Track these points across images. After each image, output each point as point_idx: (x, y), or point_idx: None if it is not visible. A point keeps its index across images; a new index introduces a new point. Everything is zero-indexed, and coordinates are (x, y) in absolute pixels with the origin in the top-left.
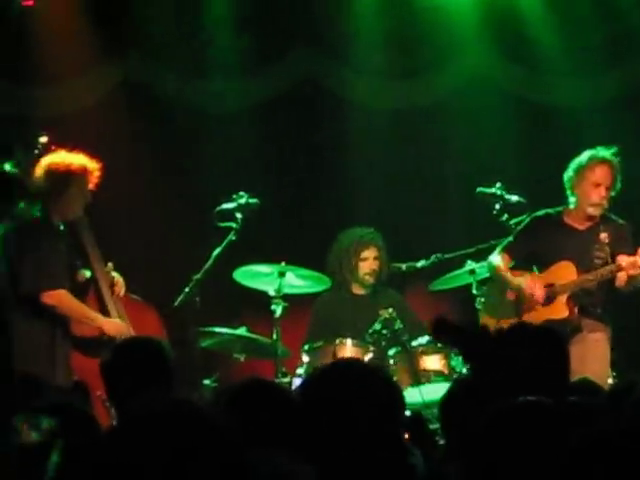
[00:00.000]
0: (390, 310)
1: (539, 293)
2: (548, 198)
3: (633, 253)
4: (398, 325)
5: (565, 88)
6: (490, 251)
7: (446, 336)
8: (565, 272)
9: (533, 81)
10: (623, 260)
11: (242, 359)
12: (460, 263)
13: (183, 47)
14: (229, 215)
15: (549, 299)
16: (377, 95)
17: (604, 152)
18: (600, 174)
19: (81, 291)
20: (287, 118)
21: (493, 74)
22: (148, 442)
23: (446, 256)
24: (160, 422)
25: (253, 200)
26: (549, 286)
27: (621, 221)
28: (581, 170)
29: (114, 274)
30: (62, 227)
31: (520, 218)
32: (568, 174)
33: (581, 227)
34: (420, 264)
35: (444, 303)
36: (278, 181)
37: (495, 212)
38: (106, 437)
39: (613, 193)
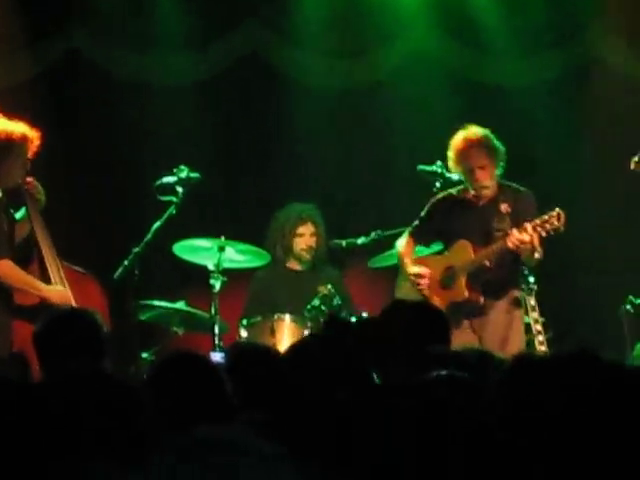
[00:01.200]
0: (329, 286)
1: (422, 282)
2: None
3: None
4: (337, 301)
5: (508, 68)
6: None
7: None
8: (463, 252)
9: (477, 60)
10: (511, 236)
11: (180, 333)
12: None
13: (129, 21)
14: (170, 189)
15: (450, 281)
16: (321, 73)
17: (475, 132)
18: (474, 157)
19: (24, 258)
20: (231, 93)
21: (437, 53)
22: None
23: (386, 233)
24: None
25: (194, 174)
26: (449, 268)
27: (522, 189)
28: (457, 154)
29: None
30: (1, 195)
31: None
32: (449, 155)
33: (480, 202)
34: (360, 241)
35: (383, 280)
36: (220, 156)
37: (435, 190)
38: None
39: (498, 169)
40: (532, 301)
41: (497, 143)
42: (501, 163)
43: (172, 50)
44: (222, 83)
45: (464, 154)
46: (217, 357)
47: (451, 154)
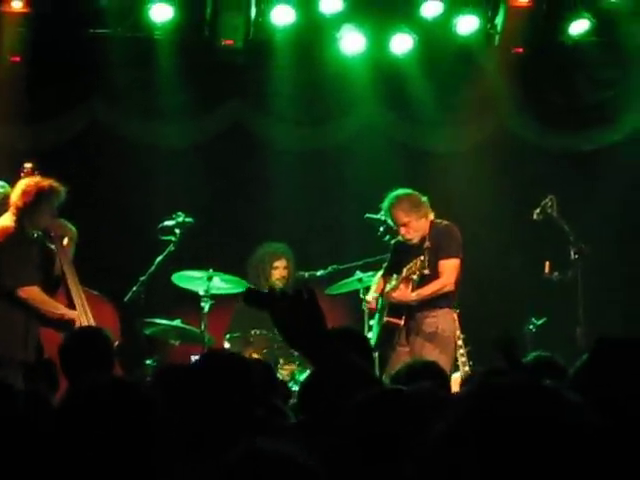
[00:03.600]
0: None
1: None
2: None
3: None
4: None
5: (437, 136)
6: (375, 264)
7: (256, 303)
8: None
9: (412, 130)
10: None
11: (177, 344)
12: (352, 273)
13: (138, 95)
14: (169, 230)
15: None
16: (289, 138)
17: (391, 197)
18: (393, 217)
19: (52, 287)
20: (219, 154)
21: (381, 123)
22: (91, 413)
23: (341, 267)
24: (100, 395)
25: (189, 219)
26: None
27: (443, 224)
28: (385, 215)
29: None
30: (35, 235)
31: (397, 238)
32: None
33: (415, 243)
34: (319, 273)
35: (338, 304)
36: (210, 204)
37: (379, 233)
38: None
39: (422, 219)
40: (456, 318)
41: (416, 199)
42: (425, 213)
43: (172, 119)
44: (212, 146)
45: (388, 214)
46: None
47: (384, 212)
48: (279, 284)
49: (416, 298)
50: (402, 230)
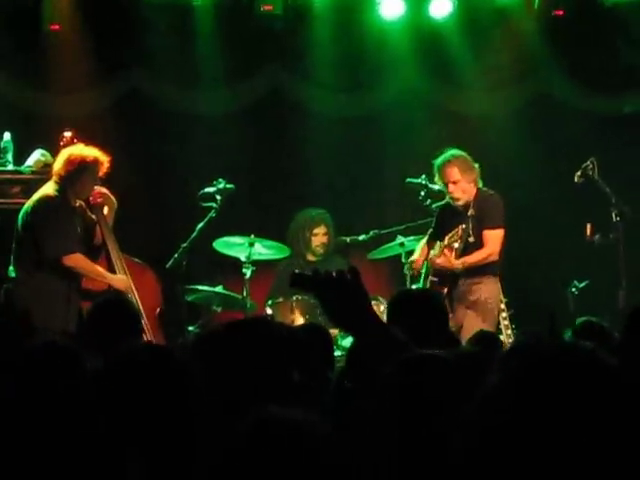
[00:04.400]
0: None
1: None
2: None
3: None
4: None
5: (478, 100)
6: (416, 228)
7: (301, 286)
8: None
9: (452, 94)
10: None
11: (219, 310)
12: (393, 237)
13: (176, 62)
14: (210, 197)
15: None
16: (328, 104)
17: (450, 154)
18: (448, 174)
19: (94, 254)
20: (257, 121)
21: (420, 87)
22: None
23: (382, 232)
24: (136, 361)
25: (230, 185)
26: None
27: (489, 193)
28: (436, 171)
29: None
30: (77, 204)
31: (440, 203)
32: (434, 175)
33: (460, 208)
34: (361, 238)
35: (380, 269)
36: (250, 171)
37: (420, 198)
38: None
39: (472, 183)
40: (499, 284)
41: (470, 163)
42: (475, 178)
43: (211, 86)
44: (251, 113)
45: (440, 171)
46: None
47: (434, 171)
48: (320, 250)
49: (460, 266)
50: (451, 187)
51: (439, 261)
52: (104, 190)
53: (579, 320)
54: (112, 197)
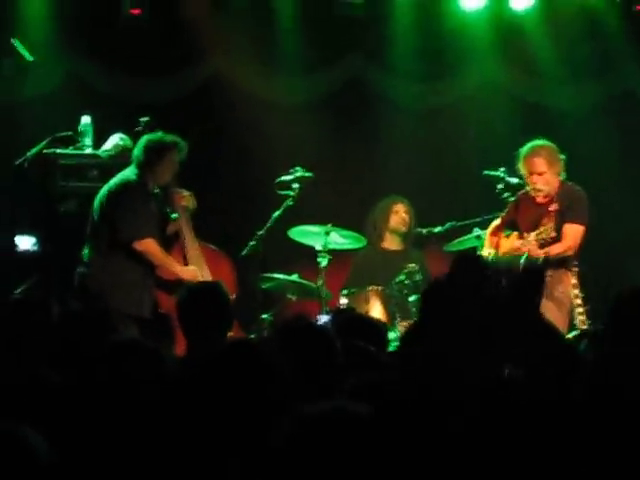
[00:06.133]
0: (413, 265)
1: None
2: None
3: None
4: (419, 277)
5: (558, 93)
6: (493, 221)
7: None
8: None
9: (532, 86)
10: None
11: (294, 299)
12: (469, 230)
13: (259, 49)
14: (287, 185)
15: None
16: (408, 94)
17: (537, 143)
18: (533, 164)
19: (169, 242)
20: (338, 109)
21: (501, 79)
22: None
23: (458, 224)
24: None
25: (307, 173)
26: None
27: (575, 189)
28: (521, 160)
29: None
30: (156, 190)
31: (518, 194)
32: (517, 164)
33: (539, 200)
34: (437, 230)
35: None
36: (328, 160)
37: (498, 190)
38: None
39: (557, 175)
40: (573, 279)
41: (557, 154)
42: (560, 170)
43: (291, 74)
44: (330, 101)
45: (526, 160)
46: (324, 319)
47: (518, 159)
48: (401, 228)
49: (544, 255)
50: (535, 178)
51: (530, 248)
52: (186, 192)
53: None
54: (190, 197)
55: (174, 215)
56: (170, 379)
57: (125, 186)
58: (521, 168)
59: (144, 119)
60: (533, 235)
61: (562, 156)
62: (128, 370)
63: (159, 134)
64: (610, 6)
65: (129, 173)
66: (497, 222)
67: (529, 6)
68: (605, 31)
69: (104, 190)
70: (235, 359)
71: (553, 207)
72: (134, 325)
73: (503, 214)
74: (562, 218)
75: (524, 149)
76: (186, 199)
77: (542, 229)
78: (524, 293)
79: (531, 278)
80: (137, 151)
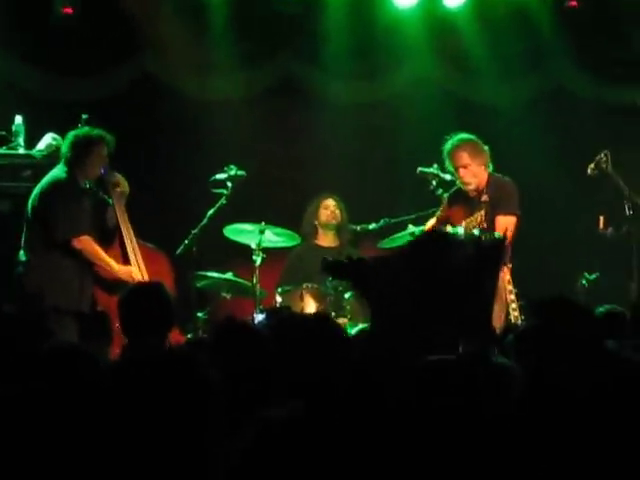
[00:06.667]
0: None
1: None
2: None
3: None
4: None
5: (491, 89)
6: (427, 218)
7: (334, 273)
8: None
9: (465, 82)
10: None
11: (228, 297)
12: (403, 226)
13: (191, 46)
14: (221, 183)
15: None
16: (341, 91)
17: (459, 138)
18: (458, 158)
19: (107, 239)
20: (271, 106)
21: (434, 76)
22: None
23: (392, 220)
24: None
25: (241, 172)
26: None
27: (503, 179)
28: (446, 155)
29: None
30: (88, 186)
31: (452, 190)
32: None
33: (472, 194)
34: (371, 226)
35: None
36: (261, 157)
37: (432, 187)
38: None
39: (482, 167)
40: (507, 276)
41: (480, 146)
42: (486, 162)
43: (223, 71)
44: (263, 99)
45: (450, 155)
46: (259, 317)
47: (444, 156)
48: (331, 222)
49: None
50: (461, 172)
51: None
52: (117, 174)
53: (602, 309)
54: (125, 182)
55: (110, 200)
56: (103, 386)
57: (55, 185)
58: (448, 164)
59: (84, 117)
60: (463, 224)
61: (485, 147)
62: (63, 377)
63: (85, 129)
64: (542, 2)
65: (58, 172)
66: (433, 221)
67: (461, 3)
68: (537, 27)
69: (36, 190)
70: (171, 372)
71: (484, 198)
72: (72, 323)
73: (438, 212)
74: (493, 209)
75: (447, 145)
76: (122, 184)
77: (471, 218)
78: (490, 263)
79: (497, 247)
80: (64, 148)
